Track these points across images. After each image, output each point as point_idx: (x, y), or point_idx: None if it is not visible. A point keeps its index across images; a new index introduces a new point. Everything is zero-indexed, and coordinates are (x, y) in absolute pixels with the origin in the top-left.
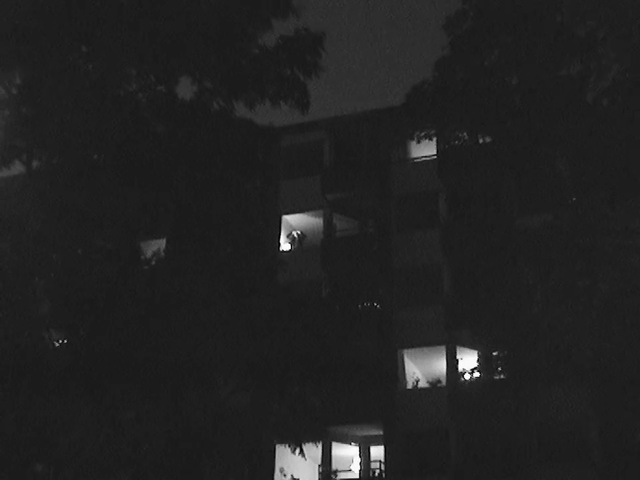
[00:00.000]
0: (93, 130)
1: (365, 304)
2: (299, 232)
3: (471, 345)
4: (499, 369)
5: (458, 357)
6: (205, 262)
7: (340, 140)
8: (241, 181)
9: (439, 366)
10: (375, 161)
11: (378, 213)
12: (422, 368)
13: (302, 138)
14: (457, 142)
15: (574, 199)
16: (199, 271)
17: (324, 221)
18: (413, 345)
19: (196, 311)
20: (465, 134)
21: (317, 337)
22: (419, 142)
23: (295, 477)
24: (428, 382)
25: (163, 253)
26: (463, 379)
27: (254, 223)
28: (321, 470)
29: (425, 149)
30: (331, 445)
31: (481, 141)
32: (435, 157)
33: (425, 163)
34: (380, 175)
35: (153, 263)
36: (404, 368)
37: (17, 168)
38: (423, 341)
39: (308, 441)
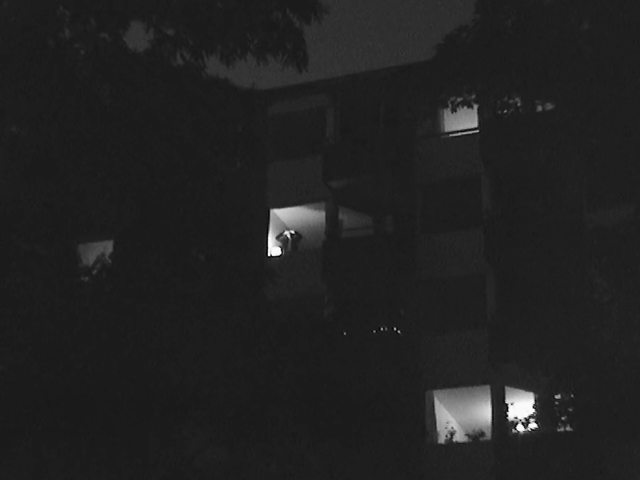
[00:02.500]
0: (11, 94)
1: (381, 327)
2: (292, 231)
3: (524, 385)
4: (563, 417)
5: (507, 401)
6: (165, 272)
7: (348, 108)
8: (215, 162)
9: (482, 413)
10: (394, 136)
11: (398, 205)
12: (459, 415)
13: (297, 105)
14: (505, 110)
15: None
16: (157, 284)
17: (326, 217)
18: (446, 384)
19: (154, 336)
20: (516, 99)
21: (317, 372)
22: (454, 110)
23: None
24: (467, 434)
25: (109, 259)
26: (513, 431)
27: (233, 219)
28: None
29: (463, 120)
30: None
31: (538, 108)
32: (476, 130)
33: (463, 139)
34: (401, 155)
35: (96, 271)
36: (434, 415)
37: None
38: (460, 378)
39: None
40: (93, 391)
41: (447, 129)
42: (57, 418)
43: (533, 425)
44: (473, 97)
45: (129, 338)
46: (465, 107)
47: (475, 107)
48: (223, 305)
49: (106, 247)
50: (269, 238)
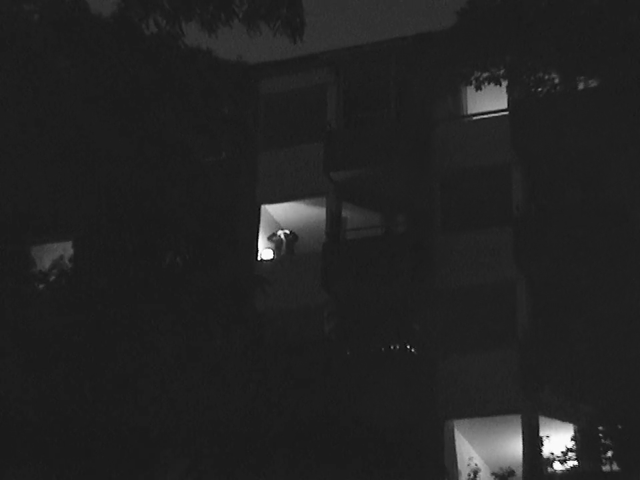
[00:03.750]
0: None
1: (392, 346)
2: (287, 231)
3: (562, 415)
4: (609, 453)
5: (542, 433)
6: (140, 279)
7: (353, 85)
8: (195, 150)
9: (511, 447)
10: (408, 119)
11: (413, 201)
12: (483, 450)
13: (293, 82)
14: (540, 88)
15: None
16: (130, 293)
17: (327, 215)
18: (468, 413)
19: (126, 354)
20: (553, 74)
21: (315, 397)
22: (479, 88)
23: None
24: (493, 473)
25: (69, 264)
26: (550, 469)
27: (217, 217)
28: None
29: (489, 100)
30: None
31: (580, 85)
32: (506, 112)
33: (489, 123)
34: (416, 142)
35: (53, 278)
36: (454, 450)
37: None
38: (486, 407)
39: None
40: (57, 420)
41: (470, 111)
42: (24, 448)
43: (572, 463)
44: (502, 71)
45: (94, 359)
46: (492, 84)
47: (504, 83)
48: (204, 319)
49: (65, 249)
50: (259, 239)
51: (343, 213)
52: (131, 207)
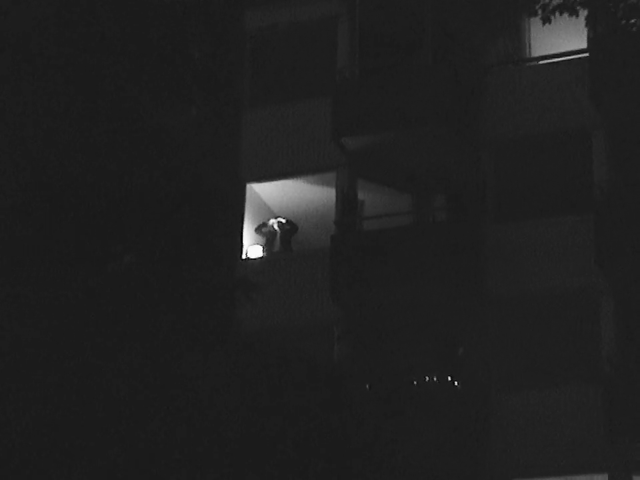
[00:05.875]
0: None
1: (427, 377)
2: (283, 220)
3: None
4: None
5: None
6: (76, 284)
7: (373, 19)
8: (161, 107)
9: None
10: (449, 64)
11: (456, 178)
12: None
13: (292, 14)
14: (633, 19)
15: None
16: (69, 302)
17: (337, 197)
18: (534, 471)
19: (71, 377)
20: None
21: (324, 445)
22: (547, 22)
23: None
24: None
25: None
26: None
27: (184, 199)
28: None
29: (561, 38)
30: None
31: None
32: (585, 54)
33: (561, 70)
34: (460, 96)
35: None
36: None
37: None
38: (557, 463)
39: None
40: None
41: (534, 53)
42: None
43: None
44: None
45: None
46: (566, 15)
47: (583, 14)
48: (168, 337)
49: None
50: (244, 230)
51: (358, 194)
52: (69, 185)
